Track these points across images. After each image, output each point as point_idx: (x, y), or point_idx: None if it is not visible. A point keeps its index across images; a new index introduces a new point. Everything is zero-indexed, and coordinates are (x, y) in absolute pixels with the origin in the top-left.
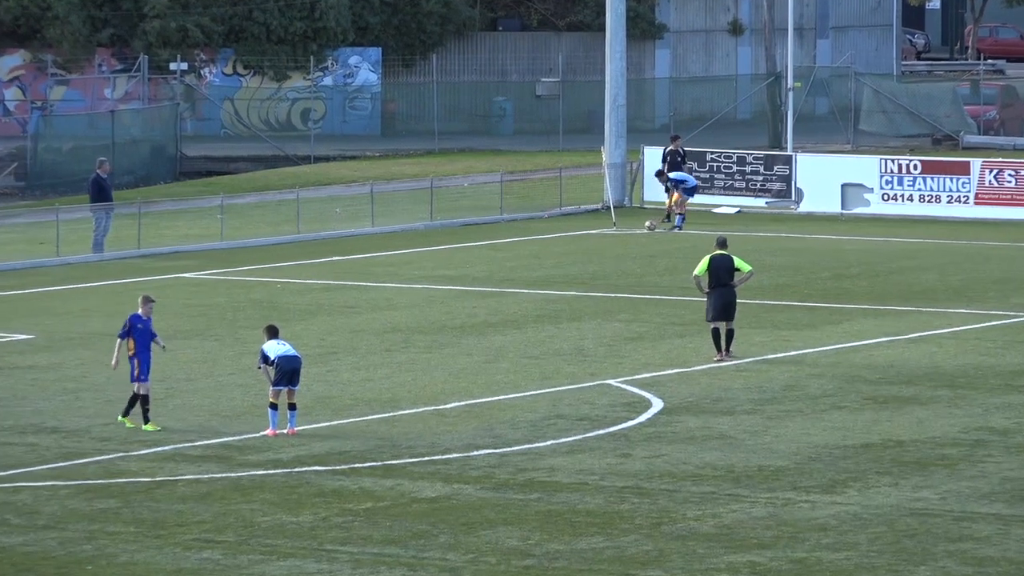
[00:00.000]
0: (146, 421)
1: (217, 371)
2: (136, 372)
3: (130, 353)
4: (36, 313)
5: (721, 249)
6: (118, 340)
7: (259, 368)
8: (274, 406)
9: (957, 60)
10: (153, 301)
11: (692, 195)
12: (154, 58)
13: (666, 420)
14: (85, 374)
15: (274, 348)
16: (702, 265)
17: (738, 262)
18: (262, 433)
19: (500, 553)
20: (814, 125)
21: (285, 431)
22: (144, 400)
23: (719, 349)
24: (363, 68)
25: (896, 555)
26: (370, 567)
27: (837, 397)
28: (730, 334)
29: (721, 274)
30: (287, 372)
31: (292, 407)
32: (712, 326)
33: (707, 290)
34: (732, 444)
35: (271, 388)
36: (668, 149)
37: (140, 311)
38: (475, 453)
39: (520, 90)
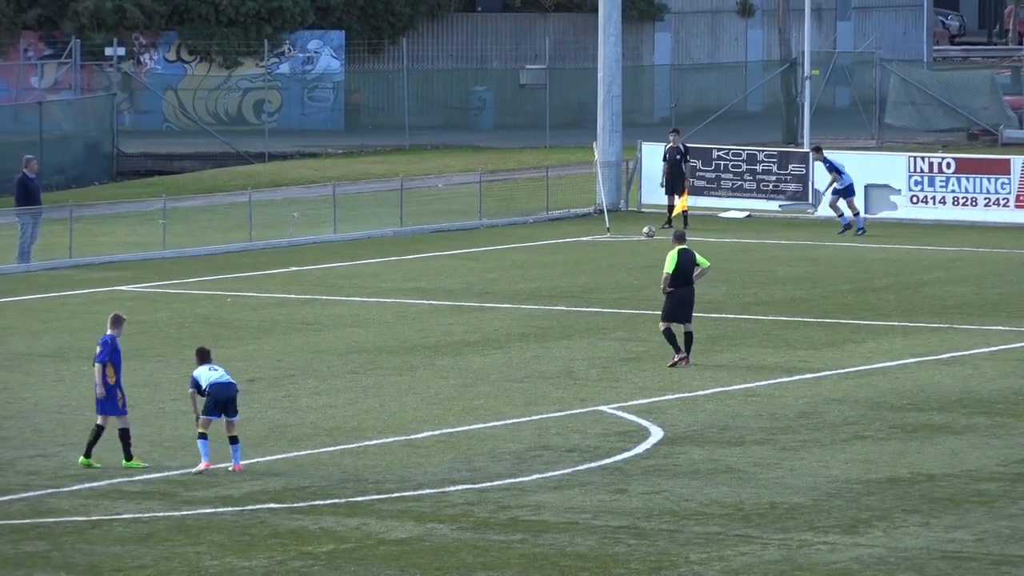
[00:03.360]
0: (129, 457)
1: (159, 396)
2: (121, 403)
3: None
4: None
5: (682, 244)
6: (98, 365)
7: (190, 392)
8: (203, 436)
9: (996, 45)
10: (125, 320)
11: (851, 194)
12: (87, 42)
13: (667, 451)
14: (9, 400)
15: (206, 374)
16: (672, 262)
17: (698, 258)
18: (197, 468)
19: None
20: (834, 118)
21: (229, 467)
22: (126, 434)
23: (677, 348)
24: (324, 54)
25: None
26: None
27: (860, 425)
28: (690, 338)
29: (688, 271)
30: (221, 401)
31: (233, 440)
32: (666, 326)
33: (669, 289)
34: (741, 478)
35: (201, 417)
36: (668, 146)
37: (112, 332)
38: (451, 489)
39: (502, 79)
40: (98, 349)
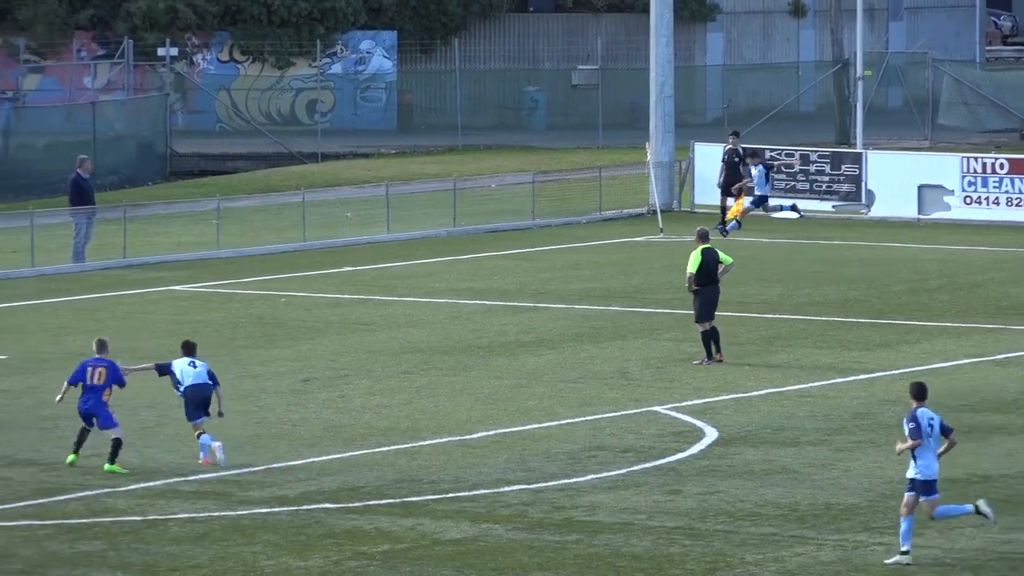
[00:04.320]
0: (74, 452)
1: None
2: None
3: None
4: (8, 331)
5: (706, 243)
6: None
7: (153, 366)
8: (202, 434)
9: None
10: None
11: (758, 206)
12: (140, 42)
13: (721, 452)
14: (65, 400)
15: (186, 371)
16: (696, 261)
17: (721, 255)
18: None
19: None
20: (887, 119)
21: (199, 460)
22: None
23: (711, 353)
24: (376, 54)
25: None
26: None
27: None
28: (717, 334)
29: (712, 269)
30: (200, 403)
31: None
32: (703, 328)
33: (695, 288)
34: (796, 479)
35: (191, 423)
36: (727, 148)
37: (101, 355)
38: (506, 489)
39: (554, 79)
40: (99, 374)
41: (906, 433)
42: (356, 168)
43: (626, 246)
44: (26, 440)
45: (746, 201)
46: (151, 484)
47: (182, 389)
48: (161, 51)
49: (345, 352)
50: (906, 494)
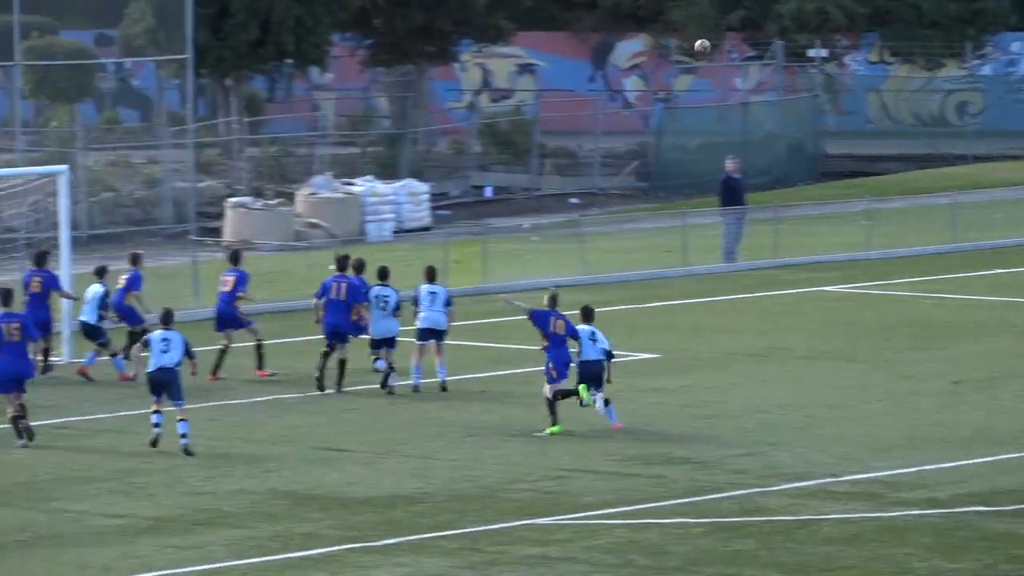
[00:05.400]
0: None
1: (866, 397)
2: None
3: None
4: (660, 329)
5: None
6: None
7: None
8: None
9: None
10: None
11: None
12: (790, 44)
13: None
14: (720, 399)
15: (588, 345)
16: None
17: None
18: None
19: None
20: None
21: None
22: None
23: None
24: None
25: None
26: None
27: None
28: None
29: None
30: (592, 378)
31: (607, 402)
32: None
33: None
34: None
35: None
36: None
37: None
38: None
39: None
40: (558, 325)
41: None
42: (1005, 170)
43: None
44: (679, 438)
45: None
46: (803, 484)
47: (580, 359)
48: (811, 52)
49: (996, 354)
50: None
